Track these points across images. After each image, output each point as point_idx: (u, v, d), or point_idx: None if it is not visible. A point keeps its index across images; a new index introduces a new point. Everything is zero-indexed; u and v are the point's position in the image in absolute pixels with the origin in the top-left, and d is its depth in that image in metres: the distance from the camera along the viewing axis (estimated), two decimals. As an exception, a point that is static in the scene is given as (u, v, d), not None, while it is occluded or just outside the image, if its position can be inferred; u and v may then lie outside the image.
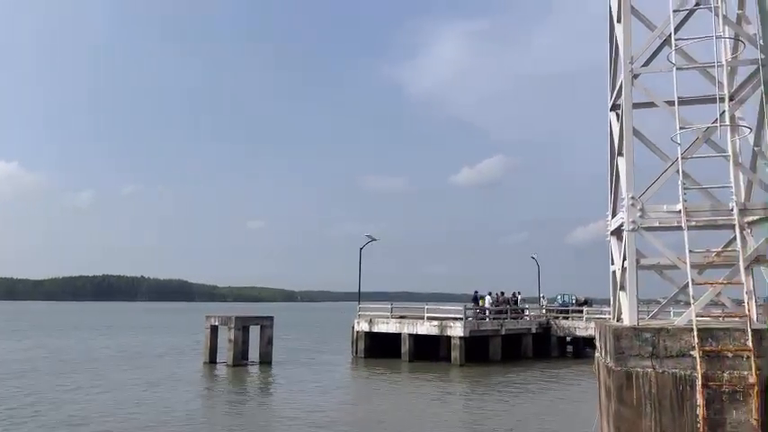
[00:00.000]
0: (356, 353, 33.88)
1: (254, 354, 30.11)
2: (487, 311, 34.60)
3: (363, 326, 33.82)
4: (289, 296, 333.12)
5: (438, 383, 24.91)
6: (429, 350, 31.97)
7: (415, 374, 27.36)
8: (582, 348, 36.37)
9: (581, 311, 38.32)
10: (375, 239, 40.55)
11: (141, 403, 19.35)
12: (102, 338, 48.99)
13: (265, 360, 29.74)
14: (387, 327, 32.95)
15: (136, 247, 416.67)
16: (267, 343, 30.31)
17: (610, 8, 10.52)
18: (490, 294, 38.49)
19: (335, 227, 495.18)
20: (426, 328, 31.64)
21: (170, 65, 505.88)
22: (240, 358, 29.01)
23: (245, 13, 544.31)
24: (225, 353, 29.19)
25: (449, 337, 30.87)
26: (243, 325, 29.56)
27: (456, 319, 31.21)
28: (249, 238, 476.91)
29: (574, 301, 44.15)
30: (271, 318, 30.92)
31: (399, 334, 32.15)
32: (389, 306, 34.76)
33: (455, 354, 30.20)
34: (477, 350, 31.29)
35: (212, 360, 29.70)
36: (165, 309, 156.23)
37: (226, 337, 29.36)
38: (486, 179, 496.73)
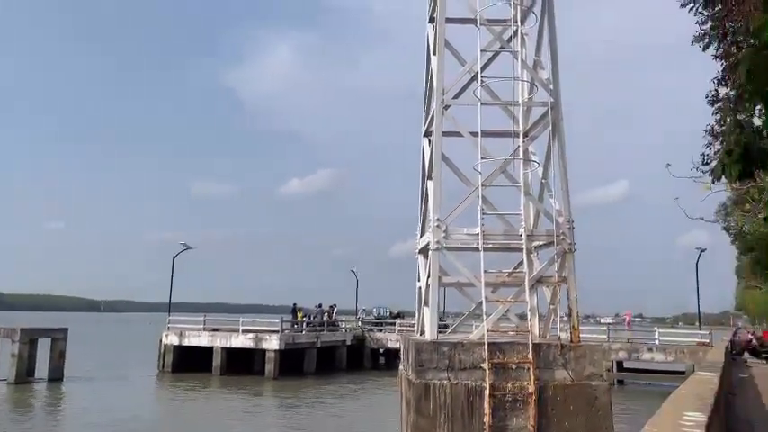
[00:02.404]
0: (163, 367, 31.88)
1: (43, 370, 26.95)
2: (305, 323, 34.60)
3: (173, 339, 31.96)
4: (91, 306, 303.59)
5: (248, 397, 24.31)
6: (243, 364, 31.11)
7: (225, 388, 26.43)
8: (393, 360, 37.72)
9: (394, 324, 39.92)
10: (190, 248, 38.67)
11: None
12: None
13: (56, 377, 26.74)
14: (198, 340, 31.51)
15: None
16: (59, 357, 27.33)
17: (428, 40, 11.23)
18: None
19: (150, 232, 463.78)
20: (241, 341, 30.77)
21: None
22: (25, 375, 25.77)
23: (68, 8, 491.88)
24: (7, 369, 25.74)
25: (264, 350, 30.33)
26: (30, 338, 26.34)
27: (272, 331, 30.79)
28: (46, 241, 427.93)
29: (388, 314, 45.88)
30: (64, 329, 27.97)
31: (212, 347, 30.91)
32: (202, 318, 33.24)
33: (269, 367, 29.74)
34: (293, 363, 31.11)
35: (-11, 378, 26.01)
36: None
37: (8, 351, 25.93)
38: (315, 191, 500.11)
